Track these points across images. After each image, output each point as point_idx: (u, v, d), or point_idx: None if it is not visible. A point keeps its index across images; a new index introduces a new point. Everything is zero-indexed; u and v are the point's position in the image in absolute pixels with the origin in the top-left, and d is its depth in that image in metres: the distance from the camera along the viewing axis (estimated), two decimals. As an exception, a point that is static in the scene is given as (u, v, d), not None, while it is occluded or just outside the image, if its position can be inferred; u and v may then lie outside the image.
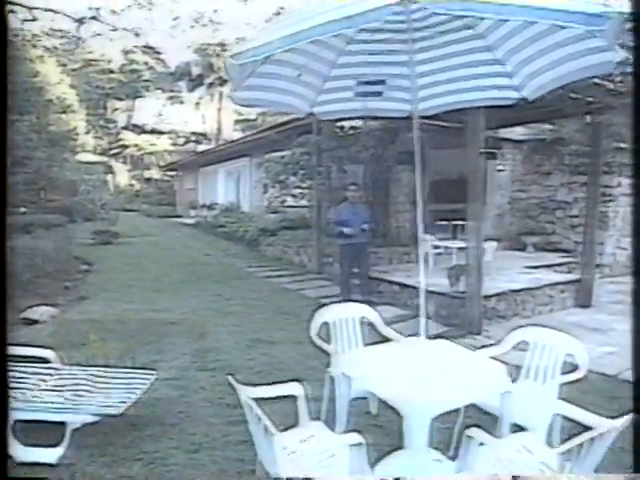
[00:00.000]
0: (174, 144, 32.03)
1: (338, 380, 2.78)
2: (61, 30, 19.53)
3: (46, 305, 6.36)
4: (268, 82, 2.79)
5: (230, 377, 2.25)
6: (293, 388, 2.52)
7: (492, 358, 2.99)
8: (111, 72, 28.62)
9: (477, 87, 3.11)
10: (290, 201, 10.51)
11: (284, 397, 2.56)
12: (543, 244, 10.95)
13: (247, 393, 2.18)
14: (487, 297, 6.33)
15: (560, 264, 9.49)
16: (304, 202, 10.42)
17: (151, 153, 29.80)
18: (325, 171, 9.07)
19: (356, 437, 2.05)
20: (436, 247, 8.70)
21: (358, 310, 3.48)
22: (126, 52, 27.17)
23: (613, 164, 9.98)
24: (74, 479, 2.78)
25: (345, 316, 3.42)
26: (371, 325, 3.49)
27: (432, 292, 6.60)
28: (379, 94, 3.19)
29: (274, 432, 1.97)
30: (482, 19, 2.60)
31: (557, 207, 10.99)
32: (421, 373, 2.37)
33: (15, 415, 2.90)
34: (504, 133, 11.37)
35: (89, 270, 9.55)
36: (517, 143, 11.55)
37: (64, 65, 23.77)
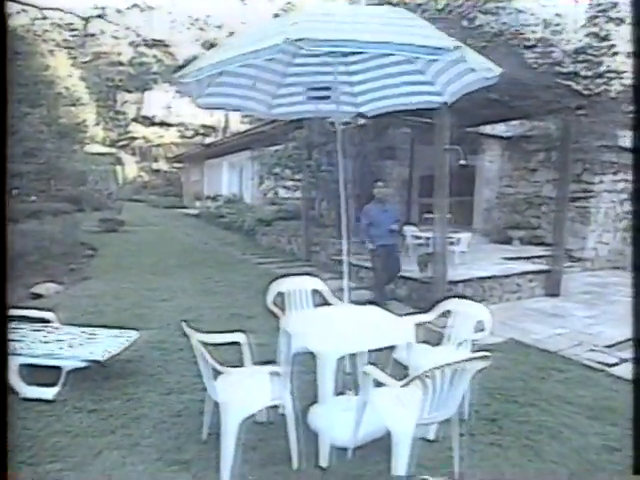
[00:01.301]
0: (182, 136, 32.83)
1: (282, 337, 3.45)
2: (72, 23, 20.28)
3: (52, 282, 7.11)
4: (227, 90, 3.44)
5: (183, 323, 2.91)
6: (237, 336, 3.19)
7: (419, 323, 3.65)
8: (121, 64, 29.45)
9: (409, 93, 3.73)
10: (284, 193, 11.17)
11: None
12: (529, 238, 11.48)
13: (197, 337, 2.85)
14: (454, 283, 6.94)
15: (540, 256, 10.01)
16: (298, 194, 11.08)
17: (159, 145, 30.68)
18: (315, 165, 9.70)
19: (275, 368, 2.71)
20: (417, 237, 9.30)
21: (310, 282, 4.13)
22: (135, 45, 27.94)
23: (595, 162, 10.46)
24: (67, 412, 3.47)
25: (298, 287, 4.07)
26: (321, 295, 4.14)
27: (405, 277, 7.27)
28: (327, 98, 3.81)
29: (217, 367, 2.65)
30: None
31: (542, 202, 11.50)
32: (337, 326, 3.03)
33: (20, 360, 3.61)
34: (494, 131, 11.92)
35: (93, 255, 10.31)
36: (506, 140, 12.07)
37: (74, 58, 24.61)
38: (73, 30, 18.50)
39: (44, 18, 10.62)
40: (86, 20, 13.10)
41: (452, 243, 8.25)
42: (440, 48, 2.21)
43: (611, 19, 7.14)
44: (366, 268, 8.15)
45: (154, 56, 29.91)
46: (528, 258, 9.68)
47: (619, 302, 7.85)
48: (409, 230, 9.23)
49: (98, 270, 8.72)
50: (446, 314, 3.80)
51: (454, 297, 3.90)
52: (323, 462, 2.85)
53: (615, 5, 7.08)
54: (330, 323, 3.17)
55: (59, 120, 14.90)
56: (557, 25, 7.58)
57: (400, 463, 2.55)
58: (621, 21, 7.09)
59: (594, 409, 3.86)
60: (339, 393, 3.24)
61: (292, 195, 11.53)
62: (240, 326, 5.51)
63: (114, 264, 9.31)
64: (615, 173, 11.04)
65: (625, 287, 9.20)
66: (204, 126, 33.06)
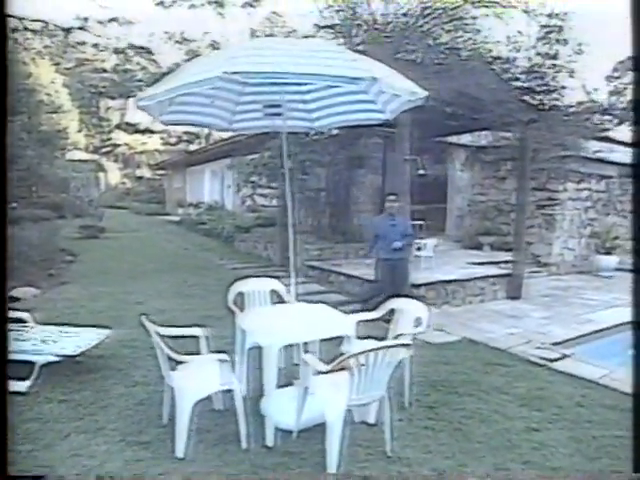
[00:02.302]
0: (166, 143, 33.05)
1: (237, 332, 3.81)
2: (54, 30, 20.49)
3: (30, 286, 7.38)
4: (188, 108, 3.82)
5: (143, 317, 3.27)
6: (195, 330, 3.54)
7: (365, 320, 4.05)
8: (104, 71, 29.62)
9: (356, 110, 4.14)
10: (263, 201, 11.54)
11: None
12: (499, 244, 11.96)
13: (155, 329, 3.20)
14: (416, 286, 7.35)
15: (508, 261, 10.47)
16: (275, 202, 11.46)
17: (142, 152, 30.88)
18: (289, 174, 10.07)
19: (224, 356, 3.07)
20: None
21: (268, 283, 4.51)
22: (119, 53, 28.18)
23: (559, 171, 11.00)
24: (38, 402, 3.79)
25: (257, 288, 4.44)
26: (279, 295, 4.51)
27: (370, 281, 7.65)
28: (281, 114, 4.21)
29: (172, 355, 3.00)
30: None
31: (511, 210, 11.97)
32: (280, 321, 3.41)
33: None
34: (465, 141, 12.44)
35: (73, 260, 10.56)
36: (476, 149, 12.60)
37: (57, 64, 24.78)
38: (55, 37, 18.71)
39: (25, 29, 10.90)
40: (67, 31, 13.39)
41: (418, 248, 8.69)
42: (357, 78, 2.61)
43: (557, 41, 7.67)
44: (337, 273, 8.56)
45: (138, 63, 30.13)
46: (496, 263, 10.14)
47: (575, 304, 8.33)
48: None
49: (76, 275, 8.99)
50: (391, 313, 4.20)
51: (399, 297, 4.30)
52: (269, 442, 3.21)
53: (561, 28, 7.62)
54: (275, 318, 3.55)
55: (40, 127, 15.12)
56: (515, 42, 8.10)
57: (333, 443, 2.93)
58: (566, 42, 7.63)
59: (526, 398, 4.27)
60: (288, 383, 3.62)
61: (270, 203, 11.91)
62: (209, 326, 5.90)
63: (92, 269, 9.58)
64: (579, 182, 11.60)
65: (586, 290, 9.73)
66: (187, 133, 33.33)
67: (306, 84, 3.99)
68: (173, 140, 33.09)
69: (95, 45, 15.38)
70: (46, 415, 3.53)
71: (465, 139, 11.93)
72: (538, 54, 7.79)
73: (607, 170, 12.29)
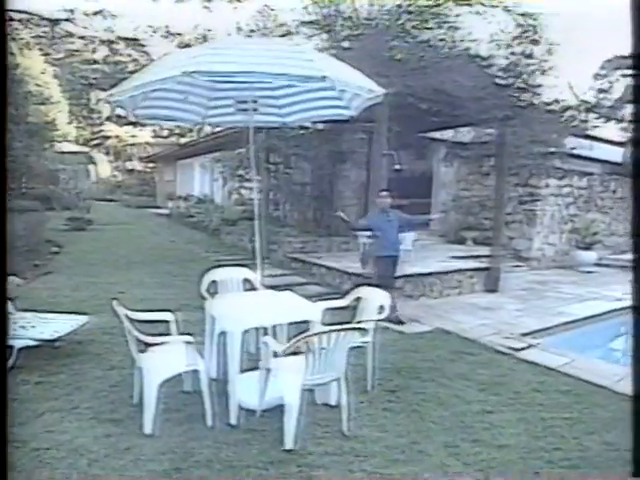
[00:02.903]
0: (157, 136, 33.02)
1: (207, 318, 4.02)
2: (43, 20, 20.44)
3: (14, 276, 7.53)
4: (161, 103, 4.00)
5: (114, 302, 3.45)
6: (165, 315, 3.73)
7: (333, 308, 4.26)
8: (95, 63, 29.52)
9: (324, 106, 4.33)
10: (251, 194, 11.69)
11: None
12: (482, 239, 12.18)
13: (124, 312, 3.39)
14: (395, 278, 7.55)
15: (489, 256, 10.73)
16: (262, 195, 11.64)
17: (133, 145, 30.90)
18: (273, 168, 10.27)
19: (189, 338, 3.27)
20: (368, 237, 9.92)
21: (240, 272, 4.70)
22: (109, 44, 28.13)
23: (541, 167, 11.23)
24: (16, 384, 3.97)
25: (230, 276, 4.64)
26: (251, 283, 4.70)
27: (350, 273, 7.87)
28: (254, 110, 4.39)
29: (140, 337, 3.19)
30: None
31: (494, 205, 12.23)
32: (245, 306, 3.60)
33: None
34: (451, 137, 12.64)
35: (59, 252, 10.69)
36: (461, 145, 12.79)
37: (47, 55, 24.70)
38: (43, 27, 18.68)
39: (11, 20, 10.95)
40: (53, 23, 13.44)
41: (399, 242, 8.89)
42: (309, 77, 2.80)
43: (533, 41, 7.89)
44: (318, 266, 8.76)
45: (129, 55, 30.07)
46: (477, 257, 10.36)
47: (550, 297, 8.58)
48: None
49: (61, 265, 9.14)
50: (357, 300, 4.41)
51: (363, 285, 4.50)
52: (233, 421, 3.42)
53: (535, 28, 7.84)
54: (240, 304, 3.75)
55: (28, 118, 15.17)
56: (495, 41, 8.29)
57: (291, 421, 3.14)
58: (537, 42, 7.86)
59: (486, 384, 4.50)
60: (255, 367, 3.82)
61: (257, 196, 12.08)
62: (187, 314, 6.09)
63: (77, 260, 9.73)
64: (561, 178, 11.85)
65: (563, 284, 9.99)
66: (179, 126, 33.30)
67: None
68: (165, 133, 33.09)
69: (83, 37, 15.40)
70: (22, 395, 3.72)
71: (448, 135, 12.13)
72: (512, 53, 7.98)
73: (589, 167, 12.55)
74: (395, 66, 6.94)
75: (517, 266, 11.34)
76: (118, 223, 16.65)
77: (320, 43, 9.31)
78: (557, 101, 8.79)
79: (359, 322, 4.03)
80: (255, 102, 4.30)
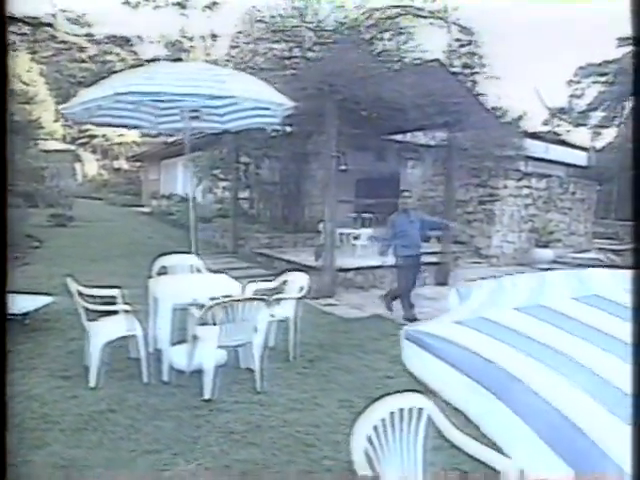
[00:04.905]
0: (145, 135, 33.70)
1: (150, 297, 4.78)
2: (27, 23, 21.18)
3: (-7, 266, 8.28)
4: (116, 112, 4.76)
5: (68, 279, 4.22)
6: (113, 291, 4.50)
7: (262, 289, 5.02)
8: (83, 61, 30.28)
9: (258, 115, 5.10)
10: (228, 193, 12.48)
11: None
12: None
13: (75, 287, 4.16)
14: (345, 270, 8.36)
15: (451, 252, 11.52)
16: (239, 194, 12.42)
17: (120, 144, 31.60)
18: (243, 167, 11.05)
19: (128, 307, 4.04)
20: (341, 234, 10.71)
21: (188, 258, 5.48)
22: (98, 42, 28.88)
23: (499, 169, 12.06)
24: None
25: (178, 262, 5.41)
26: (198, 270, 5.48)
27: (306, 265, 8.63)
28: (197, 118, 5.16)
29: (88, 306, 3.96)
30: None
31: (457, 205, 13.05)
32: (177, 285, 4.38)
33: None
34: (419, 139, 13.44)
35: (39, 246, 11.41)
36: (427, 147, 13.60)
37: (35, 52, 25.42)
38: (29, 27, 19.40)
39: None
40: (35, 27, 14.19)
41: (355, 238, 9.70)
42: (219, 96, 3.58)
43: (471, 54, 8.72)
44: (280, 259, 9.54)
45: (117, 54, 30.82)
46: (434, 253, 11.16)
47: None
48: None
49: (40, 258, 9.88)
50: (284, 283, 5.19)
51: (291, 270, 5.29)
52: (165, 378, 4.19)
53: (471, 42, 8.67)
54: (174, 283, 4.53)
55: (13, 117, 15.88)
56: (446, 52, 9.11)
57: (207, 377, 3.91)
58: (473, 55, 8.70)
59: (399, 357, 5.26)
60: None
61: (231, 195, 12.86)
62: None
63: (56, 254, 10.47)
64: (519, 180, 12.67)
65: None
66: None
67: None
68: (154, 132, 33.72)
69: (65, 42, 16.16)
70: (-9, 359, 4.47)
71: (412, 138, 12.92)
72: (451, 65, 8.80)
73: (549, 169, 13.38)
74: (344, 75, 7.69)
75: (476, 263, 12.15)
76: (100, 220, 17.37)
77: (286, 52, 10.08)
78: (497, 108, 9.59)
79: (280, 299, 4.82)
80: (198, 111, 5.08)
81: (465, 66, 8.86)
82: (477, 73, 8.96)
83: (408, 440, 2.20)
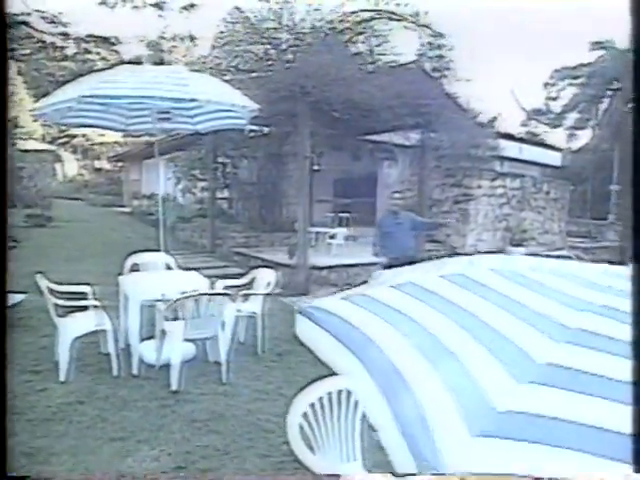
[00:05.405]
0: (128, 135, 33.54)
1: (121, 292, 4.92)
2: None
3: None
4: (86, 113, 4.89)
5: (37, 275, 4.34)
6: (83, 287, 4.62)
7: (231, 286, 5.18)
8: (62, 60, 30.01)
9: (227, 117, 5.26)
10: (199, 193, 12.60)
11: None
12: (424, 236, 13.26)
13: (47, 285, 4.28)
14: (320, 268, 8.55)
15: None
16: (218, 194, 12.55)
17: (101, 144, 31.42)
18: (221, 168, 11.19)
19: (97, 303, 4.17)
20: (317, 233, 10.90)
21: (159, 257, 5.61)
22: (77, 41, 28.63)
23: (474, 169, 12.35)
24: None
25: (151, 260, 5.54)
26: (169, 267, 5.62)
27: (280, 264, 8.81)
28: (168, 119, 5.30)
29: (58, 302, 4.09)
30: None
31: (433, 204, 13.31)
32: (147, 282, 4.52)
33: None
34: (395, 139, 13.68)
35: (15, 246, 11.38)
36: (406, 148, 13.86)
37: (12, 50, 25.12)
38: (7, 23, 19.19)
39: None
40: (9, 27, 14.12)
41: (331, 237, 9.90)
42: (180, 99, 3.73)
43: (438, 56, 9.01)
44: (256, 258, 9.70)
45: (98, 53, 30.59)
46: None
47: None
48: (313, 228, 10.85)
49: (14, 257, 9.83)
50: (253, 280, 5.36)
51: (259, 267, 5.47)
52: (135, 371, 4.33)
53: (440, 45, 8.96)
54: (145, 280, 4.67)
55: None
56: (417, 53, 9.36)
57: (174, 373, 4.06)
58: (441, 57, 9.00)
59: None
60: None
61: (213, 195, 12.97)
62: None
63: (33, 253, 10.48)
64: (493, 180, 12.99)
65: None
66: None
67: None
68: (137, 133, 33.53)
69: (43, 41, 16.04)
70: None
71: (393, 139, 13.15)
72: (435, 70, 9.07)
73: (523, 170, 13.73)
74: (318, 77, 7.89)
75: (452, 261, 12.41)
76: (79, 220, 17.32)
77: (262, 54, 10.24)
78: (473, 109, 9.87)
79: (249, 295, 4.99)
80: (168, 112, 5.22)
81: (435, 69, 9.10)
82: (446, 76, 9.21)
83: (346, 420, 2.39)
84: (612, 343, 0.93)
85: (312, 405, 2.26)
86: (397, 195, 6.45)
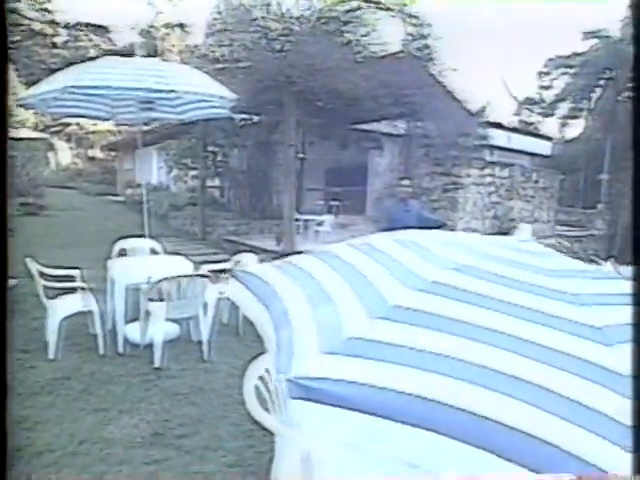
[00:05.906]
0: (121, 124, 33.57)
1: (109, 276, 5.16)
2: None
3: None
4: (72, 103, 5.09)
5: (28, 259, 4.57)
6: (72, 271, 4.86)
7: (216, 270, 5.42)
8: (55, 47, 29.96)
9: (210, 106, 5.47)
10: (190, 181, 12.80)
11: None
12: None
13: (37, 269, 4.52)
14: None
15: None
16: (210, 182, 12.77)
17: (94, 132, 31.46)
18: (212, 156, 11.39)
19: (84, 285, 4.42)
20: (305, 221, 11.13)
21: (147, 242, 5.85)
22: (68, 28, 28.61)
23: (462, 158, 12.57)
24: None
25: (138, 245, 5.78)
26: (155, 252, 5.86)
27: (267, 250, 9.06)
28: (152, 109, 5.51)
29: (47, 285, 4.32)
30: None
31: (422, 193, 13.54)
32: (134, 265, 4.76)
33: None
34: (384, 128, 13.89)
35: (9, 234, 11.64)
36: (396, 137, 14.06)
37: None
38: None
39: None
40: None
41: (318, 224, 10.14)
42: (159, 90, 3.95)
43: (425, 46, 9.20)
44: (244, 245, 9.93)
45: (90, 40, 30.56)
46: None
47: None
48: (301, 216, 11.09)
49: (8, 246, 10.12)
50: (237, 264, 5.60)
51: (243, 252, 5.71)
52: (120, 350, 4.59)
53: (424, 35, 9.14)
54: (131, 264, 4.91)
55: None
56: (403, 43, 9.54)
57: (157, 351, 4.31)
58: (427, 47, 9.20)
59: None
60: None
61: (204, 184, 13.19)
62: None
63: (26, 242, 10.66)
64: (482, 169, 13.21)
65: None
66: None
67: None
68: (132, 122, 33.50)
69: (31, 28, 16.10)
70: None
71: (382, 128, 13.35)
72: (406, 55, 9.26)
73: (513, 159, 13.95)
74: (301, 67, 8.07)
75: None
76: (73, 209, 17.53)
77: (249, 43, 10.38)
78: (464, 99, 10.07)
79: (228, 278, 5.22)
80: (152, 102, 5.43)
81: (422, 58, 9.28)
82: (434, 65, 9.40)
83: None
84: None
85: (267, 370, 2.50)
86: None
